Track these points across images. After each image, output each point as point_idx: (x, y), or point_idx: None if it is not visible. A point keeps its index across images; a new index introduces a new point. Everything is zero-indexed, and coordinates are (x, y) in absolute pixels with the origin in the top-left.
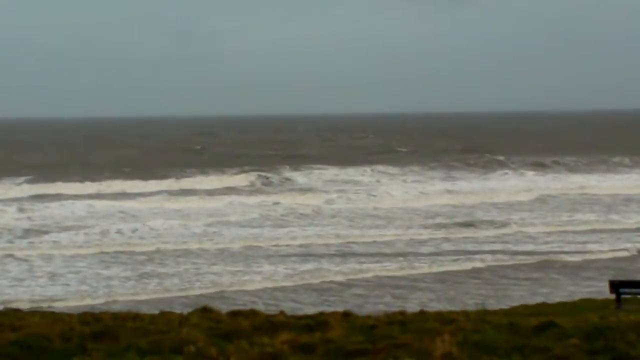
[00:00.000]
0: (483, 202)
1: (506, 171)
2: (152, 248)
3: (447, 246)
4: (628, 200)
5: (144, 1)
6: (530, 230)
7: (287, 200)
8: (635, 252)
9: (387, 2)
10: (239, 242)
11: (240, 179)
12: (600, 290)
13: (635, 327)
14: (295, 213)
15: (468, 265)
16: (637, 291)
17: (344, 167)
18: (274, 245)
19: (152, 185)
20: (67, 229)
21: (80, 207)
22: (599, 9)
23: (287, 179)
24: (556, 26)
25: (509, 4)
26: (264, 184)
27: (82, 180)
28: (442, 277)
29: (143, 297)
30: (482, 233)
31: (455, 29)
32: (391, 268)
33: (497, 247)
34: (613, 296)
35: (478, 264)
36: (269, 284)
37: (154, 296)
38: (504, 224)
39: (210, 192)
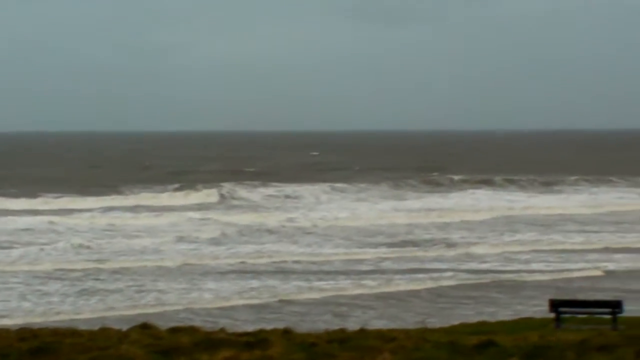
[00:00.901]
0: (428, 220)
1: (455, 189)
2: (90, 265)
3: (388, 264)
4: (570, 220)
5: (93, 11)
6: (475, 249)
7: (228, 217)
8: (601, 273)
9: (336, 20)
10: (179, 258)
11: (183, 196)
12: (544, 309)
13: (574, 347)
14: (235, 230)
15: (410, 284)
16: (577, 310)
17: (289, 184)
18: (214, 262)
19: (92, 201)
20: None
21: (15, 222)
22: (553, 27)
23: (231, 196)
24: (508, 45)
25: (460, 23)
26: (208, 200)
27: (18, 195)
28: (383, 295)
29: (85, 316)
30: (425, 252)
31: (406, 47)
32: (331, 286)
33: (441, 266)
34: (552, 315)
35: (420, 283)
36: (210, 302)
37: (96, 314)
38: (448, 243)
39: (153, 209)
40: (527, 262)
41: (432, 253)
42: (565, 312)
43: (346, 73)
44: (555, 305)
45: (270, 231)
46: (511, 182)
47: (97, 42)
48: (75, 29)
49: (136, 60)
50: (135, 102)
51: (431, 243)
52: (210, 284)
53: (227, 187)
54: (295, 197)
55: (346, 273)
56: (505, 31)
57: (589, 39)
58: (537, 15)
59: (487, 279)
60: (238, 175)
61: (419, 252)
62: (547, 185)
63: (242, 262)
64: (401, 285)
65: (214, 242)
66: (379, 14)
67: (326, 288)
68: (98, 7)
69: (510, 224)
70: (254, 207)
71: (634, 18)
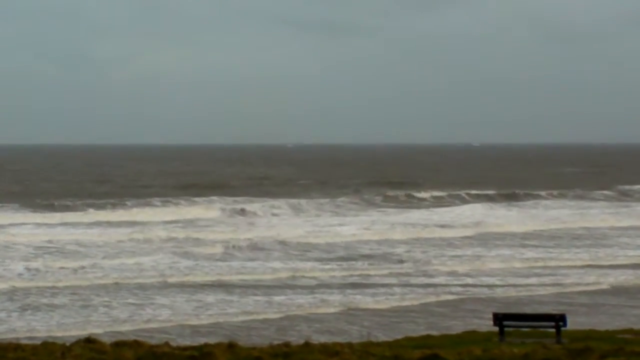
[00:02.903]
0: (360, 239)
1: (401, 205)
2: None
3: (328, 279)
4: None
5: (30, 24)
6: (425, 266)
7: (178, 233)
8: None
9: (280, 34)
10: (115, 275)
11: (133, 212)
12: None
13: None
14: (182, 245)
15: (355, 298)
16: (520, 324)
17: (254, 198)
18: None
19: (29, 216)
20: None
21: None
22: (491, 44)
23: (183, 210)
24: (451, 59)
25: (406, 38)
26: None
27: None
28: (328, 309)
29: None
30: (372, 267)
31: (346, 62)
32: (274, 300)
33: (385, 280)
34: (496, 329)
35: (370, 297)
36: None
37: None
38: (397, 259)
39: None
40: (469, 275)
41: (380, 269)
42: (509, 326)
43: (294, 87)
44: (498, 318)
45: (205, 245)
46: (475, 196)
47: (30, 56)
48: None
49: (71, 73)
50: (71, 115)
51: (379, 258)
52: (166, 300)
53: (180, 201)
54: (247, 213)
55: (293, 287)
56: (452, 48)
57: (535, 58)
58: (480, 33)
59: (436, 293)
60: (188, 189)
61: (359, 268)
62: (508, 199)
63: (182, 278)
64: (346, 298)
65: (149, 252)
66: (323, 27)
67: (268, 302)
68: (34, 22)
69: (455, 239)
70: (195, 223)
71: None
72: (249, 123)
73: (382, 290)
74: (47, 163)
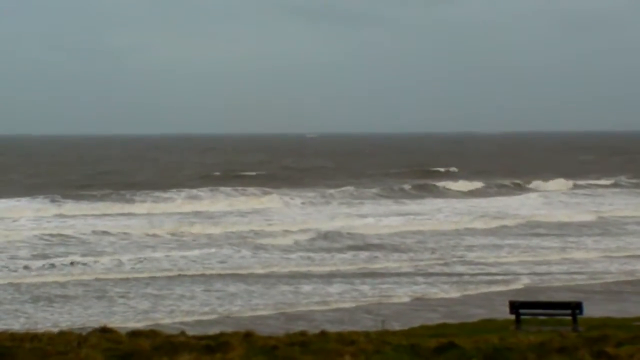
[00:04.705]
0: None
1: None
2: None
3: (344, 267)
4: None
5: (41, 16)
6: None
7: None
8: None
9: (293, 23)
10: (132, 265)
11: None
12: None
13: (534, 348)
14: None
15: (367, 287)
16: (537, 312)
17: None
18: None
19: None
20: None
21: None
22: (507, 33)
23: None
24: (467, 48)
25: (419, 25)
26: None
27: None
28: (339, 297)
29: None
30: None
31: (360, 51)
32: (288, 289)
33: (400, 270)
34: (513, 317)
35: (373, 286)
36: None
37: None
38: (397, 249)
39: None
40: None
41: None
42: (526, 314)
43: (307, 77)
44: (515, 306)
45: (207, 236)
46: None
47: (47, 47)
48: (25, 35)
49: (89, 64)
50: (89, 105)
51: (381, 248)
52: (185, 289)
53: (207, 191)
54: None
55: (308, 276)
56: (464, 36)
57: (544, 45)
58: (496, 21)
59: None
60: (216, 180)
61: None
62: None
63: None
64: (360, 287)
65: (180, 247)
66: (337, 17)
67: (284, 290)
68: (47, 12)
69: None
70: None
71: (590, 27)
72: (263, 113)
73: (390, 280)
74: (69, 154)
